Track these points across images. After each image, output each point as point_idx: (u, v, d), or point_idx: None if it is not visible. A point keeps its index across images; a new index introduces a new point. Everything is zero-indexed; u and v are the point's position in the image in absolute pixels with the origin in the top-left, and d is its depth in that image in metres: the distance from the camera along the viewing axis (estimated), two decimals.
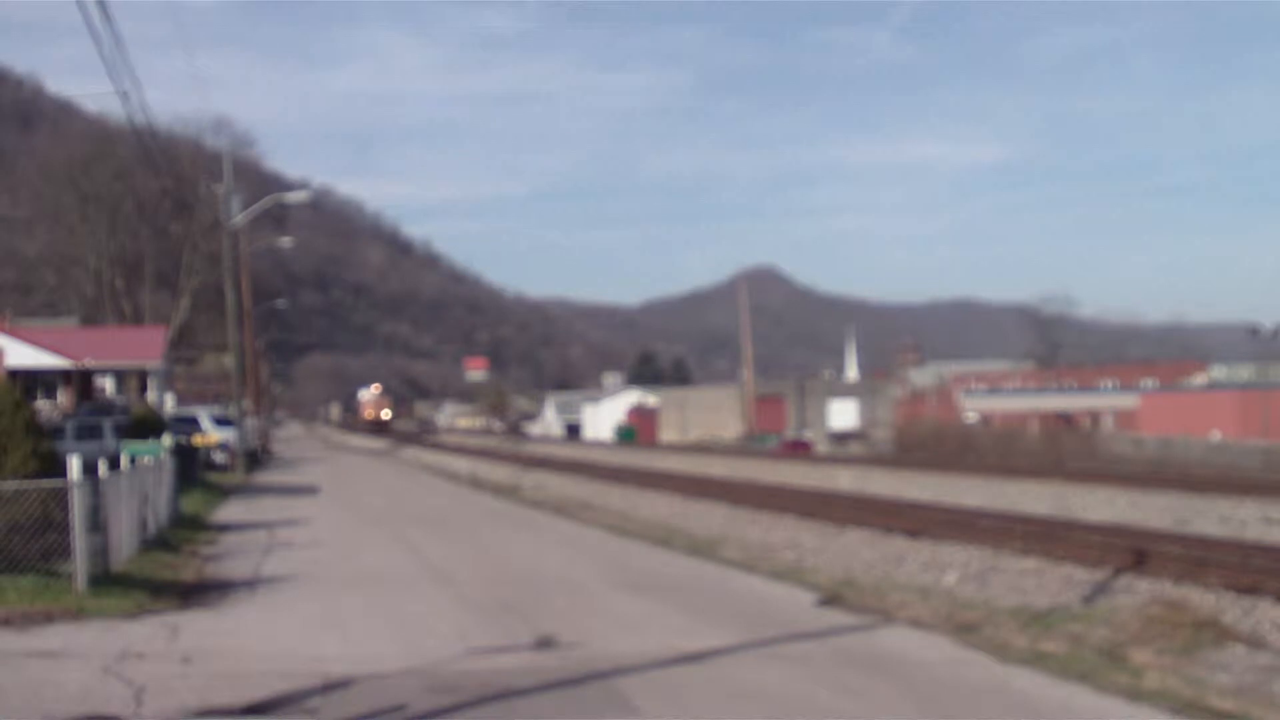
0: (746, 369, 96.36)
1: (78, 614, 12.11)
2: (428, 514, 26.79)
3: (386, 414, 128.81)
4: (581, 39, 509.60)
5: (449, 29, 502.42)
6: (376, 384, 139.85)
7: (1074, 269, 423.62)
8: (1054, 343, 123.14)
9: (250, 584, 15.10)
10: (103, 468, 14.82)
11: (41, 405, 41.90)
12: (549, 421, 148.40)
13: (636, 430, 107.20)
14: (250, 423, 49.46)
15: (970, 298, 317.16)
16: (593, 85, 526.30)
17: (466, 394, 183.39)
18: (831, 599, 13.72)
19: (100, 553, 13.95)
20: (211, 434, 43.33)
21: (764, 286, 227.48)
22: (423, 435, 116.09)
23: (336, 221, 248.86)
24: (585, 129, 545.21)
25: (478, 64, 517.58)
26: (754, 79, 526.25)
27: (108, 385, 53.64)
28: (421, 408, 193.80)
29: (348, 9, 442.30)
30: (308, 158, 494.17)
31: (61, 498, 13.20)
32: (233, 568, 16.76)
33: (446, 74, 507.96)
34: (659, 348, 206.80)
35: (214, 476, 36.90)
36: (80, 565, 12.98)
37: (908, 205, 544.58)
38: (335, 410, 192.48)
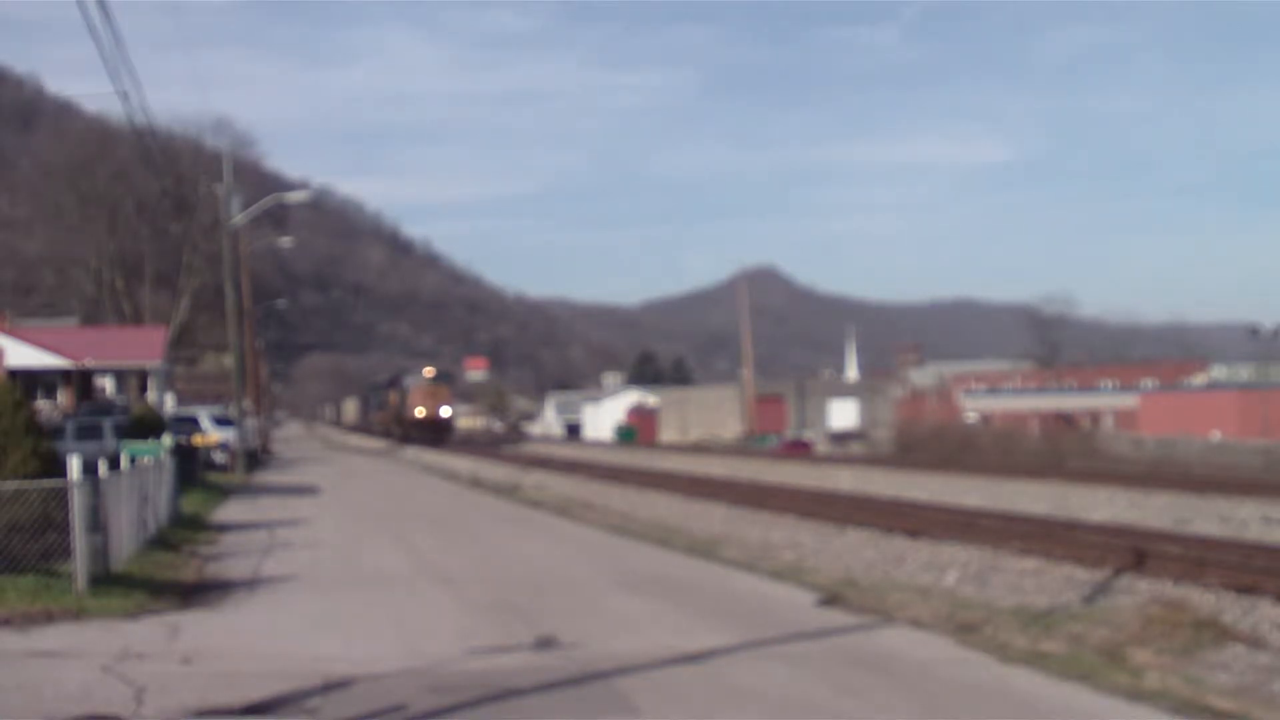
0: (746, 369, 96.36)
1: (78, 614, 12.11)
2: (428, 514, 26.79)
3: (446, 411, 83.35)
4: (588, 38, 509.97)
5: (456, 28, 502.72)
6: (429, 368, 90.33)
7: (1074, 269, 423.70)
8: (1054, 343, 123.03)
9: (250, 584, 15.10)
10: (103, 468, 14.82)
11: (41, 405, 41.89)
12: (549, 421, 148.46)
13: (636, 430, 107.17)
14: (250, 422, 49.46)
15: (970, 298, 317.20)
16: (598, 85, 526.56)
17: (466, 394, 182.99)
18: (831, 599, 13.71)
19: (100, 553, 13.95)
20: (211, 434, 43.31)
21: (764, 286, 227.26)
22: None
23: (336, 221, 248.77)
24: (589, 129, 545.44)
25: (484, 63, 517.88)
26: (760, 79, 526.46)
27: (108, 385, 53.64)
28: None
29: (352, 8, 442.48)
30: (308, 158, 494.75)
31: (61, 498, 13.20)
32: (233, 568, 16.76)
33: (452, 73, 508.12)
34: (659, 348, 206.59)
35: (214, 476, 36.89)
36: (80, 565, 12.98)
37: (908, 205, 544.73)
38: (350, 408, 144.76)
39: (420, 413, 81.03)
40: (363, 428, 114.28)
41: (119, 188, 69.73)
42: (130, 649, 10.51)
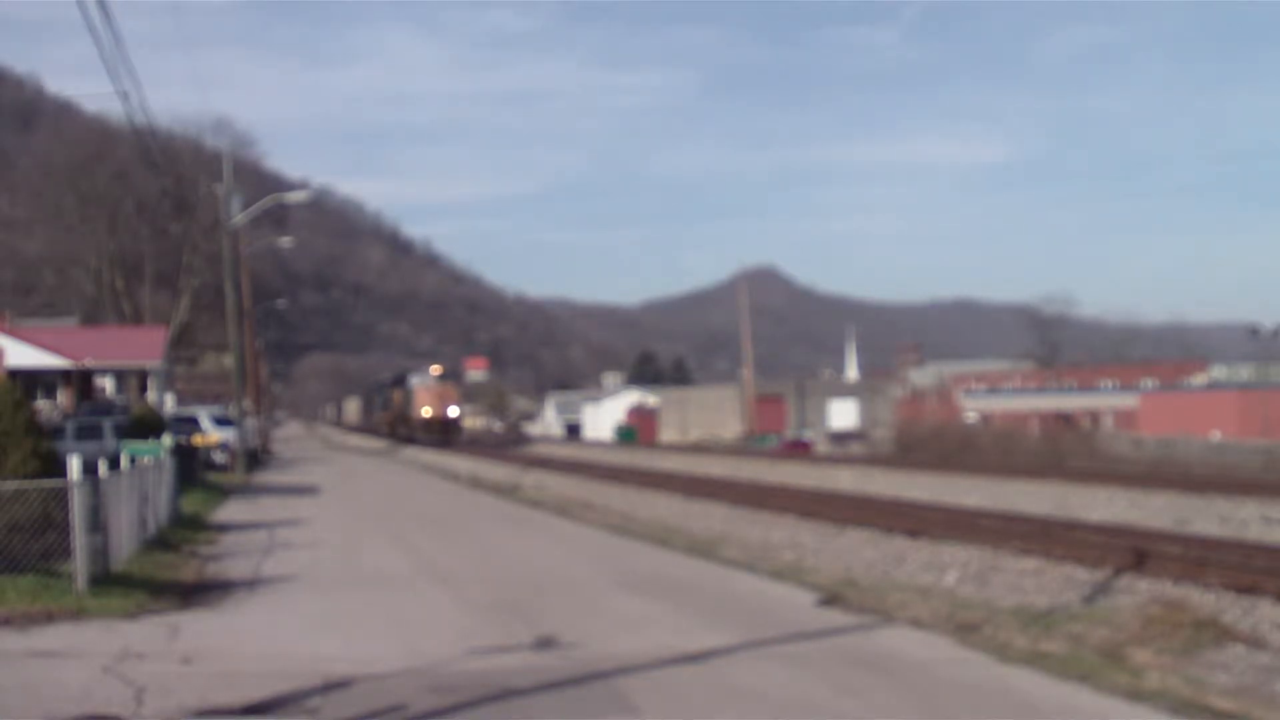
0: (746, 369, 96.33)
1: (78, 614, 12.11)
2: (428, 514, 26.78)
3: (454, 411, 78.96)
4: (588, 38, 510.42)
5: (456, 28, 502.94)
6: (436, 365, 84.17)
7: (1074, 269, 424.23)
8: (1054, 343, 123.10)
9: (250, 584, 15.10)
10: (103, 468, 14.82)
11: (41, 405, 41.90)
12: (549, 421, 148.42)
13: (636, 430, 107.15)
14: (250, 422, 49.46)
15: (970, 298, 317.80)
16: (598, 85, 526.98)
17: (467, 394, 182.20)
18: (832, 599, 13.71)
19: (100, 553, 13.95)
20: (211, 434, 43.31)
21: (764, 286, 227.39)
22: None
23: (336, 221, 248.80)
24: (589, 129, 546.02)
25: (484, 63, 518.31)
26: (760, 79, 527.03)
27: (108, 385, 53.64)
28: None
29: (352, 8, 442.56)
30: (308, 158, 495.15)
31: (61, 498, 13.20)
32: (233, 568, 16.76)
33: (452, 73, 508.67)
34: (659, 348, 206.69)
35: (214, 476, 36.89)
36: (80, 565, 12.98)
37: (908, 205, 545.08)
38: (352, 407, 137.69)
39: (427, 413, 77.20)
40: (365, 428, 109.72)
41: (119, 188, 69.75)
42: (130, 649, 10.51)
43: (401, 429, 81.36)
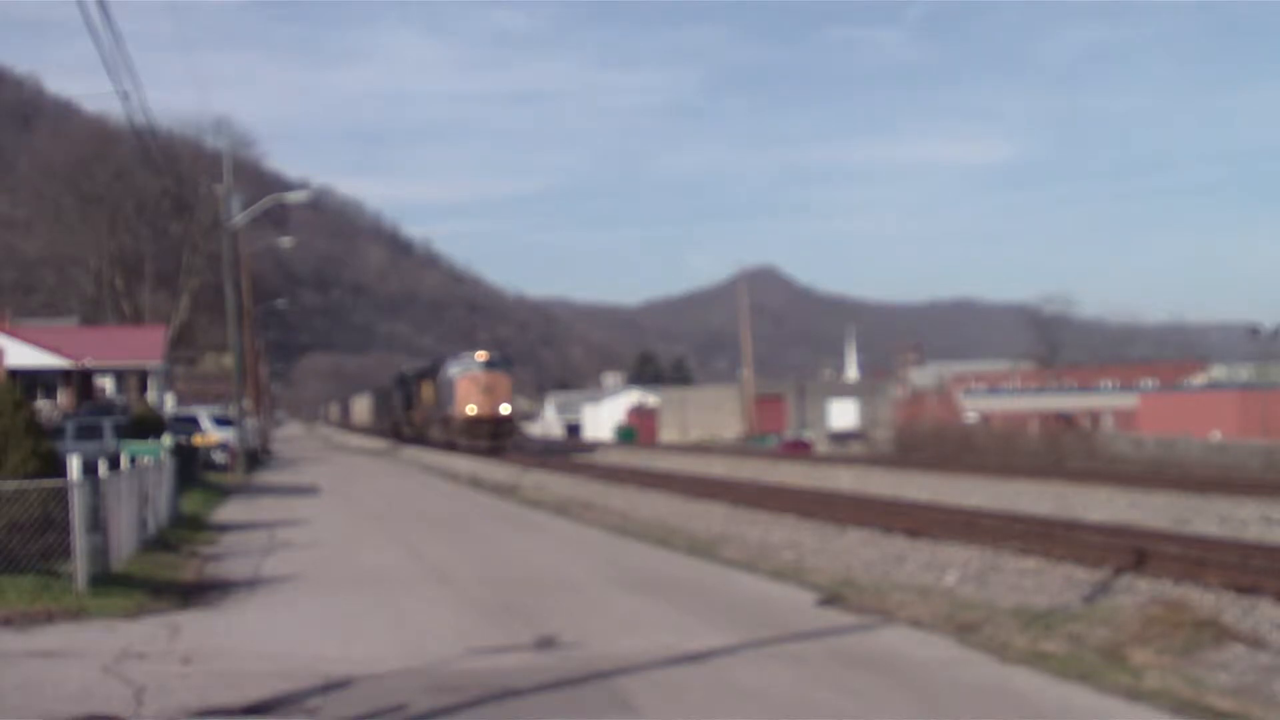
0: (746, 369, 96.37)
1: (78, 614, 12.12)
2: (428, 514, 26.79)
3: (506, 408, 61.20)
4: (590, 38, 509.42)
5: (458, 28, 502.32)
6: (482, 351, 64.93)
7: (1075, 269, 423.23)
8: (1054, 343, 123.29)
9: (250, 584, 15.11)
10: (103, 468, 14.83)
11: (41, 405, 41.90)
12: (549, 421, 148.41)
13: (636, 430, 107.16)
14: (250, 423, 49.47)
15: (970, 298, 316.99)
16: (600, 85, 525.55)
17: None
18: (831, 599, 13.71)
19: (100, 553, 13.96)
20: (211, 434, 43.34)
21: (764, 286, 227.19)
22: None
23: (336, 221, 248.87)
24: (590, 129, 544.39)
25: (486, 63, 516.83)
26: (762, 78, 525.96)
27: (108, 385, 53.68)
28: None
29: (354, 8, 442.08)
30: (308, 158, 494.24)
31: (61, 497, 13.21)
32: (233, 567, 16.76)
33: (454, 73, 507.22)
34: (659, 348, 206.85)
35: (214, 476, 36.90)
36: (80, 565, 12.99)
37: (909, 205, 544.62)
38: (361, 406, 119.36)
39: (471, 410, 59.65)
40: (381, 430, 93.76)
41: (119, 188, 69.90)
42: (130, 649, 10.52)
43: (436, 431, 65.48)
